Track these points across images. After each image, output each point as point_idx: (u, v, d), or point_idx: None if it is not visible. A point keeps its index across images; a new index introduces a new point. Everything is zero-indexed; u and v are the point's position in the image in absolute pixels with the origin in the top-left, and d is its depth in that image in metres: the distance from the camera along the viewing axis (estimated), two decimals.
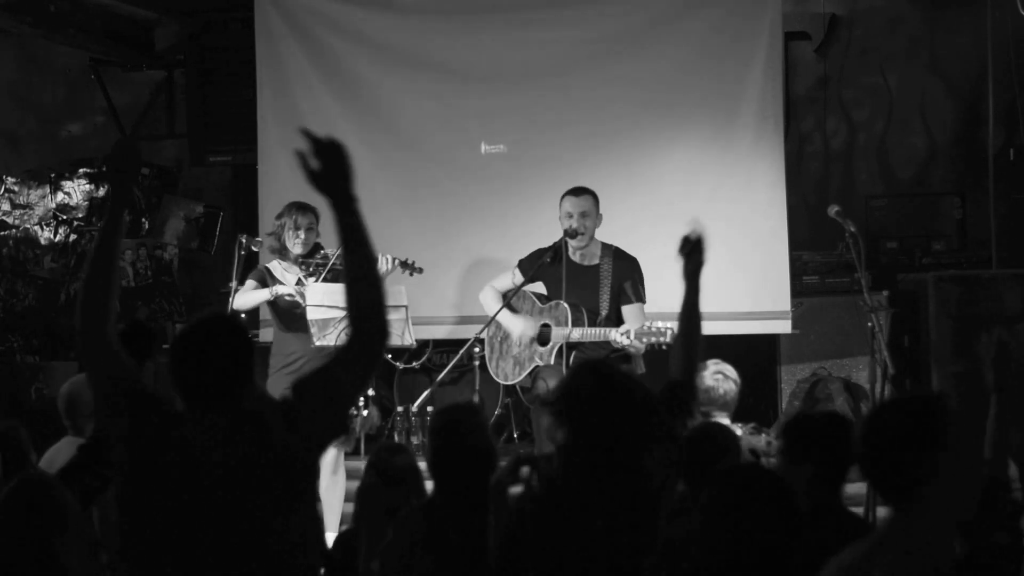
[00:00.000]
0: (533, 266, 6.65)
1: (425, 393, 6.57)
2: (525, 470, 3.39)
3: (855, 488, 6.64)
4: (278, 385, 6.35)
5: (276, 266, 6.74)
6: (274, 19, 8.20)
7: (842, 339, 7.67)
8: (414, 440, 7.15)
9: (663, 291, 7.02)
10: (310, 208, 6.64)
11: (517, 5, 7.96)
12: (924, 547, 2.58)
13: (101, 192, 9.57)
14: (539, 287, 6.75)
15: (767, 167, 7.59)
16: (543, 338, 6.54)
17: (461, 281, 7.65)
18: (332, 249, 6.58)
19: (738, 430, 4.91)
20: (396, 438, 7.39)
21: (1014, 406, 6.22)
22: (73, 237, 9.59)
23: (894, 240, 8.12)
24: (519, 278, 6.72)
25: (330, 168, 3.01)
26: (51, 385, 8.24)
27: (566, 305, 6.42)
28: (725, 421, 5.15)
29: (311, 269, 6.61)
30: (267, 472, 2.94)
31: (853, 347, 7.56)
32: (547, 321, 6.55)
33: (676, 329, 5.91)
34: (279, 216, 6.71)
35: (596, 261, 6.58)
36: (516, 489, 3.40)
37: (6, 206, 9.55)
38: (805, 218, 8.24)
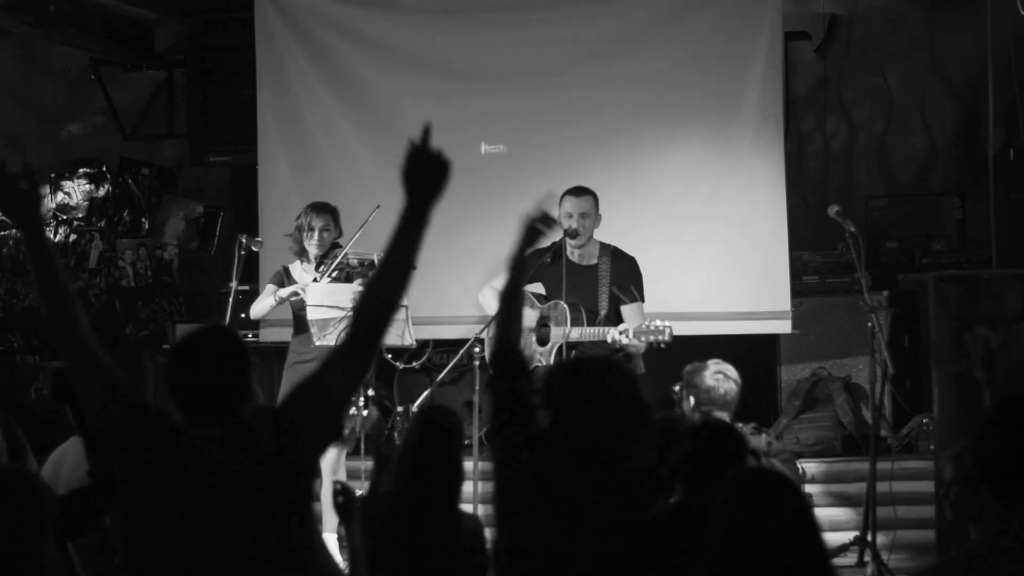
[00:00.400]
0: (532, 266, 6.65)
1: (425, 393, 6.56)
2: None
3: (855, 488, 6.70)
4: (289, 379, 6.47)
5: (296, 266, 6.74)
6: (274, 19, 8.20)
7: (842, 339, 7.67)
8: None
9: (663, 291, 7.05)
10: (326, 209, 6.64)
11: (517, 5, 7.97)
12: None
13: (101, 192, 9.57)
14: (538, 287, 6.75)
15: (767, 167, 7.60)
16: (543, 338, 6.53)
17: (461, 281, 7.64)
18: (350, 248, 6.56)
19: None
20: (396, 438, 7.39)
21: None
22: (73, 237, 9.59)
23: (894, 240, 8.12)
24: None
25: (425, 175, 3.10)
26: (51, 385, 8.24)
27: (565, 305, 6.42)
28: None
29: (323, 267, 6.60)
30: (263, 483, 2.95)
31: (853, 347, 7.57)
32: (546, 319, 6.55)
33: (672, 329, 5.99)
34: (297, 217, 6.73)
35: (594, 261, 6.58)
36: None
37: None
38: (805, 218, 8.24)
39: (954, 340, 5.93)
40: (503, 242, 7.49)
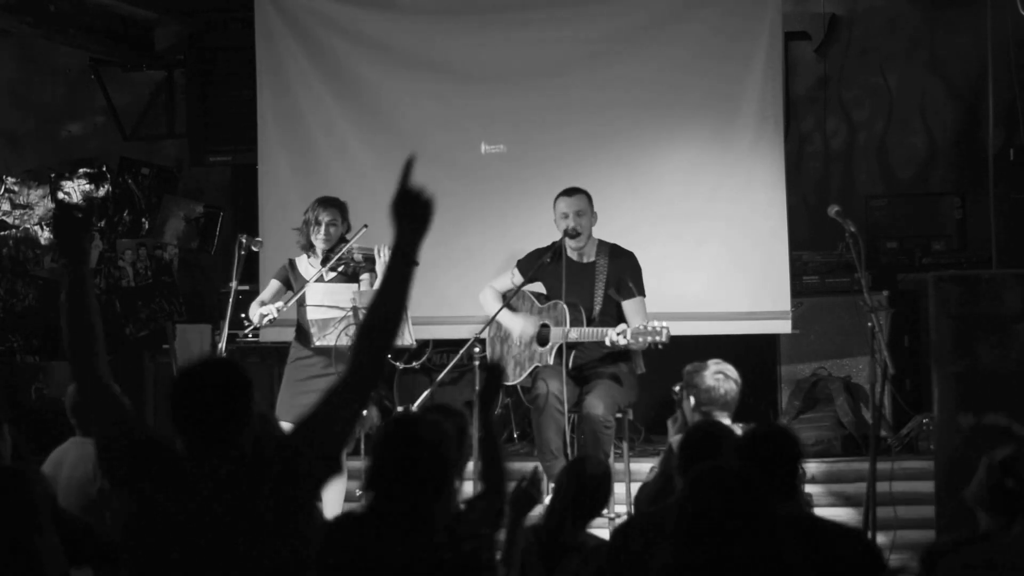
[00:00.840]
0: (532, 266, 6.66)
1: (425, 393, 6.56)
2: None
3: (855, 488, 6.70)
4: (290, 375, 6.54)
5: (302, 260, 6.73)
6: (274, 19, 8.20)
7: (842, 339, 7.67)
8: None
9: (663, 291, 7.05)
10: (334, 203, 6.62)
11: (517, 5, 7.96)
12: None
13: (101, 192, 9.57)
14: (538, 287, 6.75)
15: (767, 167, 7.59)
16: (542, 338, 6.54)
17: (461, 281, 7.64)
18: (354, 244, 6.56)
19: (738, 430, 4.91)
20: None
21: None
22: None
23: (894, 240, 8.12)
24: (518, 279, 6.73)
25: (410, 212, 3.21)
26: (51, 385, 8.24)
27: (564, 305, 6.43)
28: (726, 421, 5.16)
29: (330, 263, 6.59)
30: (265, 515, 2.99)
31: (853, 347, 7.57)
32: (546, 321, 6.56)
33: (670, 330, 5.99)
34: (305, 211, 6.71)
35: (592, 258, 6.59)
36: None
37: (6, 206, 9.55)
38: (805, 218, 8.24)
39: (954, 340, 5.93)
40: (503, 242, 7.62)
